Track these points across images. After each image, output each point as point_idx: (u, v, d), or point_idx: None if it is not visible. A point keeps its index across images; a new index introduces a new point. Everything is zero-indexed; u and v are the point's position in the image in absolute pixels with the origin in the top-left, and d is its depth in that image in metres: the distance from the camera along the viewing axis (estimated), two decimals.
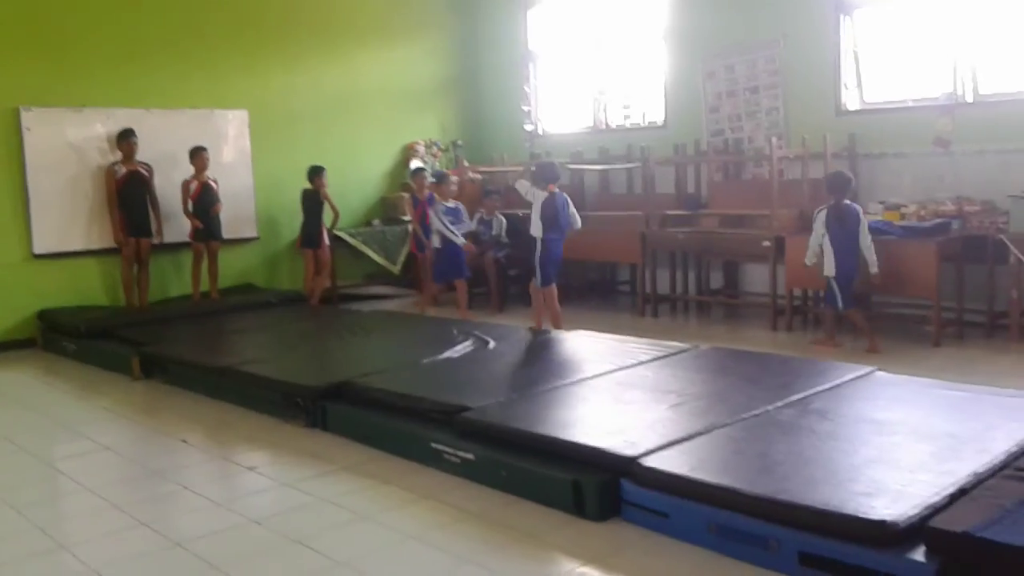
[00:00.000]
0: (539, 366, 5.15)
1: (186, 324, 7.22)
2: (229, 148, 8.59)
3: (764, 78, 7.82)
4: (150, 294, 7.95)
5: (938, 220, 6.20)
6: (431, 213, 7.53)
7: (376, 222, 9.41)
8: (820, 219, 6.03)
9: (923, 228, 6.14)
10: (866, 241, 5.95)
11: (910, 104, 7.06)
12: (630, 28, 9.00)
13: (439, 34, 10.14)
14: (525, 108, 9.88)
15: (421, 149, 9.80)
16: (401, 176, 9.73)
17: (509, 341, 5.80)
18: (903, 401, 4.11)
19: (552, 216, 6.36)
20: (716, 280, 8.15)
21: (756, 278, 7.77)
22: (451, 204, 7.63)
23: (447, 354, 5.47)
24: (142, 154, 7.81)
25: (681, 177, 8.24)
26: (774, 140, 7.09)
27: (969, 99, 6.73)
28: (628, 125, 9.22)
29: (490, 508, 3.56)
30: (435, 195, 7.65)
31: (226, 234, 8.26)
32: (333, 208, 8.44)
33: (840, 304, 6.01)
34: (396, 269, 9.24)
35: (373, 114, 9.58)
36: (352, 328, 6.69)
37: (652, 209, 7.84)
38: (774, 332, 6.82)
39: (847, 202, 6.01)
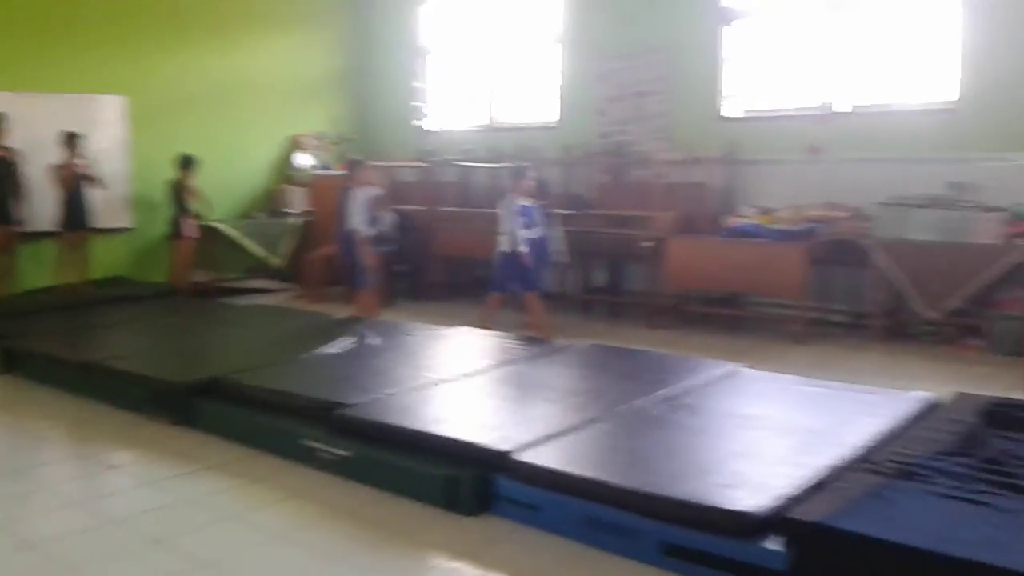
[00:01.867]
0: (418, 363, 5.10)
1: (52, 317, 6.86)
2: (104, 135, 8.22)
3: (651, 84, 7.99)
4: (14, 284, 7.52)
5: (807, 225, 6.47)
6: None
7: (258, 214, 9.17)
8: (514, 208, 6.21)
9: (792, 232, 6.40)
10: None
11: (787, 113, 7.35)
12: (524, 28, 9.05)
13: (330, 26, 9.97)
14: (416, 104, 9.82)
15: (309, 142, 9.61)
16: (287, 168, 9.53)
17: (390, 337, 5.74)
18: (767, 397, 4.27)
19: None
20: (600, 279, 8.29)
21: (638, 277, 7.93)
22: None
23: (326, 350, 5.37)
24: (8, 139, 7.38)
25: (570, 177, 8.34)
26: (657, 144, 7.25)
27: (843, 109, 7.04)
28: (520, 124, 9.27)
29: (363, 505, 3.51)
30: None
31: (98, 223, 7.89)
32: (197, 198, 8.25)
33: (528, 287, 6.32)
34: (278, 262, 9.03)
35: (260, 104, 9.35)
36: (228, 322, 6.50)
37: None
38: (651, 330, 6.98)
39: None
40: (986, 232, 5.88)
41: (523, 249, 6.19)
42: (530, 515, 3.27)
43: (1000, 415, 3.80)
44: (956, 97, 6.41)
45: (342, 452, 3.83)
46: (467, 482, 3.37)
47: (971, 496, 2.95)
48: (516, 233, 6.19)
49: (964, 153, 6.28)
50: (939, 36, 6.54)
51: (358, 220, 6.64)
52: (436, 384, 4.54)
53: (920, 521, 2.78)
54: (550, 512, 3.23)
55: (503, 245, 6.27)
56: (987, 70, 6.20)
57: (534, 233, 6.32)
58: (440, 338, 5.86)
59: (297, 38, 9.68)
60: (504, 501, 3.36)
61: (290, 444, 4.06)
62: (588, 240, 7.63)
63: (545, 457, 3.41)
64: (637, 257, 7.50)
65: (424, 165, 8.86)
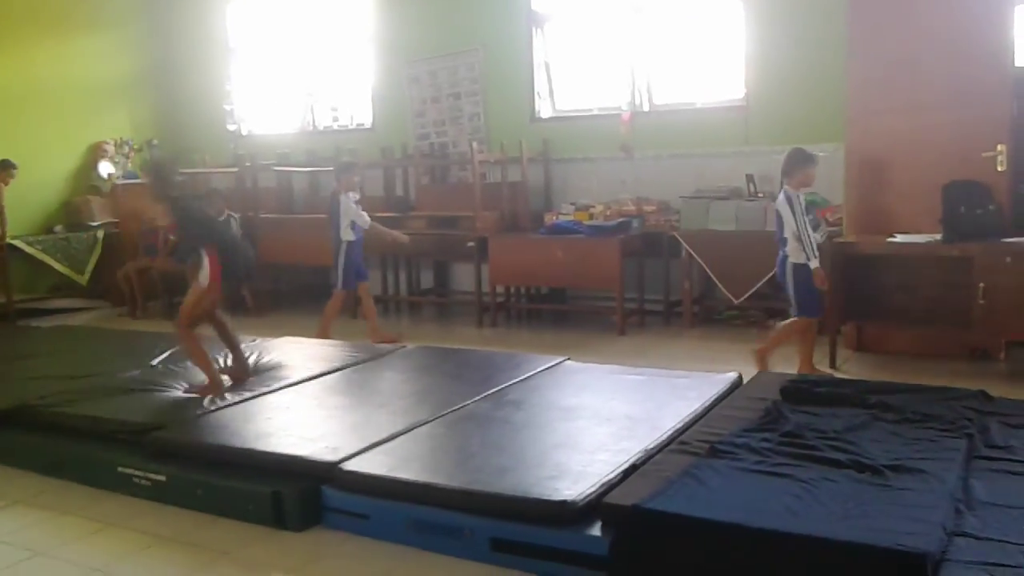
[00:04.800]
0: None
1: None
2: None
3: (466, 85, 8.08)
4: None
5: (621, 219, 6.75)
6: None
7: (59, 228, 8.59)
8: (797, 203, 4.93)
9: (608, 227, 6.66)
10: None
11: (596, 112, 7.64)
12: (336, 30, 8.93)
13: (129, 25, 9.46)
14: (227, 107, 9.48)
15: (110, 149, 9.09)
16: (88, 178, 8.97)
17: (211, 352, 5.52)
18: (588, 387, 4.43)
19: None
20: (427, 280, 8.32)
21: (464, 277, 8.02)
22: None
23: (141, 370, 5.11)
24: None
25: (389, 180, 8.31)
26: (475, 145, 7.36)
27: (646, 108, 7.39)
28: (336, 127, 9.15)
29: (184, 530, 3.38)
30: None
31: None
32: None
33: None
34: (84, 280, 8.49)
35: (53, 111, 8.75)
36: (31, 346, 6.06)
37: None
38: (480, 328, 7.08)
39: None
40: None
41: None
42: (360, 524, 3.25)
43: (795, 391, 4.10)
44: (743, 95, 6.87)
45: (158, 476, 3.67)
46: (292, 496, 3.32)
47: (772, 469, 3.17)
48: (808, 233, 4.83)
49: (755, 147, 6.75)
50: (726, 39, 6.98)
51: (344, 227, 6.35)
52: (259, 397, 4.42)
53: (727, 496, 2.97)
54: (380, 519, 3.22)
55: (796, 255, 4.87)
56: (768, 70, 6.67)
57: (820, 237, 5.20)
58: (263, 349, 5.70)
59: (90, 38, 9.12)
60: (333, 512, 3.33)
61: (103, 472, 3.85)
62: (412, 242, 7.61)
63: (372, 464, 3.40)
64: (462, 257, 7.58)
65: (239, 171, 8.55)
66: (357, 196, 6.50)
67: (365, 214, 6.46)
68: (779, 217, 4.91)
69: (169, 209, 4.68)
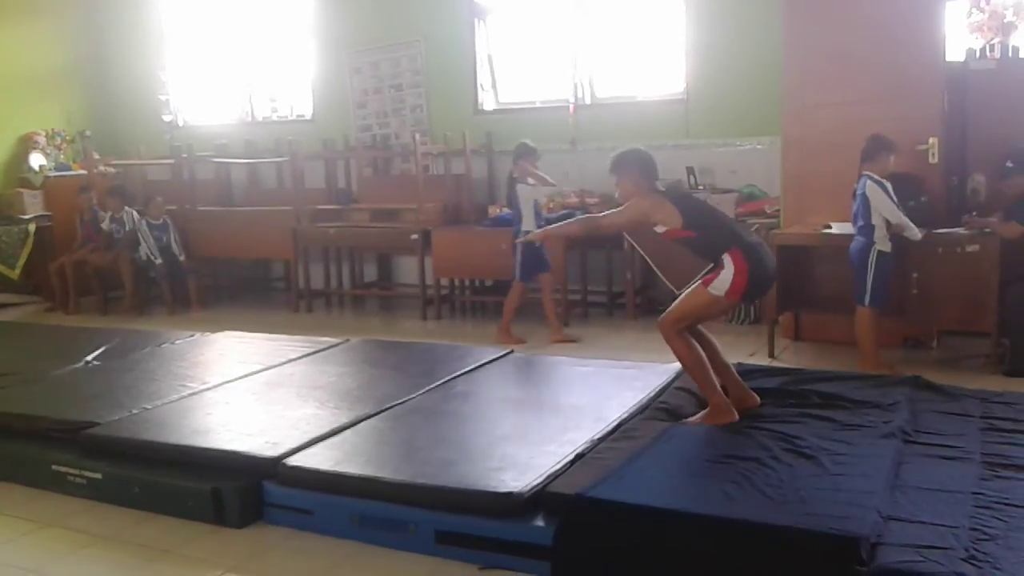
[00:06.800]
0: (180, 372, 4.83)
1: None
2: None
3: (408, 76, 8.02)
4: None
5: (564, 211, 6.77)
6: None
7: None
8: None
9: (551, 219, 6.66)
10: None
11: (538, 105, 7.65)
12: (275, 18, 8.78)
13: (60, 12, 9.14)
14: (162, 97, 9.27)
15: (42, 140, 8.81)
16: (18, 170, 8.70)
17: (149, 347, 5.42)
18: (536, 379, 4.46)
19: None
20: (370, 273, 8.26)
21: (407, 270, 7.98)
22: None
23: (77, 366, 4.99)
24: None
25: (331, 172, 8.22)
26: (417, 137, 7.31)
27: (588, 101, 7.43)
28: (276, 118, 9.01)
29: (122, 529, 3.31)
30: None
31: None
32: None
33: None
34: (15, 274, 8.23)
35: None
36: None
37: (302, 204, 7.74)
38: (424, 321, 7.05)
39: None
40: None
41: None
42: (304, 520, 3.22)
43: None
44: (683, 88, 6.94)
45: (93, 474, 3.59)
46: (232, 492, 3.27)
47: (711, 456, 3.23)
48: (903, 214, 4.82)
49: (695, 139, 6.83)
50: (666, 32, 7.05)
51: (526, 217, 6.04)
52: (198, 393, 4.35)
53: (667, 483, 3.03)
54: (324, 514, 3.20)
55: (884, 244, 4.79)
56: (709, 63, 6.74)
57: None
58: (203, 344, 5.61)
59: (24, 27, 8.82)
60: (275, 508, 3.30)
61: (36, 471, 3.76)
62: (354, 235, 7.57)
63: (315, 459, 3.37)
64: (405, 250, 7.53)
65: (175, 162, 8.36)
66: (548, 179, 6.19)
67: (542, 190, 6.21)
68: (864, 203, 4.80)
69: (665, 206, 3.83)
